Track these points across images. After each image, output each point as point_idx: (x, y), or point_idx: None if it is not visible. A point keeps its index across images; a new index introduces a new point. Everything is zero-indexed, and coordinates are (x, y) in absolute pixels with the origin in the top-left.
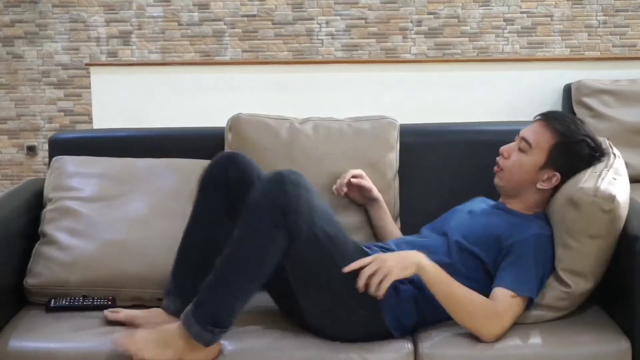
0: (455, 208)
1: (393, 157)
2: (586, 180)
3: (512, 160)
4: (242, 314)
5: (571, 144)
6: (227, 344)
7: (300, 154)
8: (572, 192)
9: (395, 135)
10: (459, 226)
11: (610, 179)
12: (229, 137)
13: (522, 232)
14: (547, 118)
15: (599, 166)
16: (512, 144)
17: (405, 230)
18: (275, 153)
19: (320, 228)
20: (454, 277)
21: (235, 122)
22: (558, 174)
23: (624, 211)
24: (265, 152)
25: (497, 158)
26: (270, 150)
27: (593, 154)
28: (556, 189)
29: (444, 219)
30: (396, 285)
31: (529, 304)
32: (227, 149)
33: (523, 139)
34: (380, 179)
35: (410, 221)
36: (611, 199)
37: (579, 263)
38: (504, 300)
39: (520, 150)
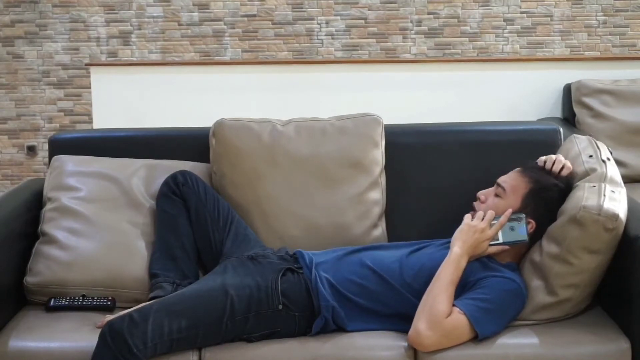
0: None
1: (378, 154)
2: (587, 198)
3: (487, 205)
4: None
5: (543, 190)
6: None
7: (283, 157)
8: (575, 211)
9: (379, 132)
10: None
11: (610, 194)
12: (212, 142)
13: (494, 272)
14: (524, 167)
15: (595, 177)
16: (489, 189)
17: (393, 229)
18: (258, 157)
19: None
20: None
21: (218, 127)
22: (533, 222)
23: (623, 226)
24: (248, 157)
25: (474, 203)
26: (252, 154)
27: (564, 197)
28: (534, 238)
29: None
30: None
31: (476, 336)
32: (211, 154)
33: (499, 184)
34: (366, 177)
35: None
36: (615, 217)
37: (577, 277)
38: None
39: (497, 195)
